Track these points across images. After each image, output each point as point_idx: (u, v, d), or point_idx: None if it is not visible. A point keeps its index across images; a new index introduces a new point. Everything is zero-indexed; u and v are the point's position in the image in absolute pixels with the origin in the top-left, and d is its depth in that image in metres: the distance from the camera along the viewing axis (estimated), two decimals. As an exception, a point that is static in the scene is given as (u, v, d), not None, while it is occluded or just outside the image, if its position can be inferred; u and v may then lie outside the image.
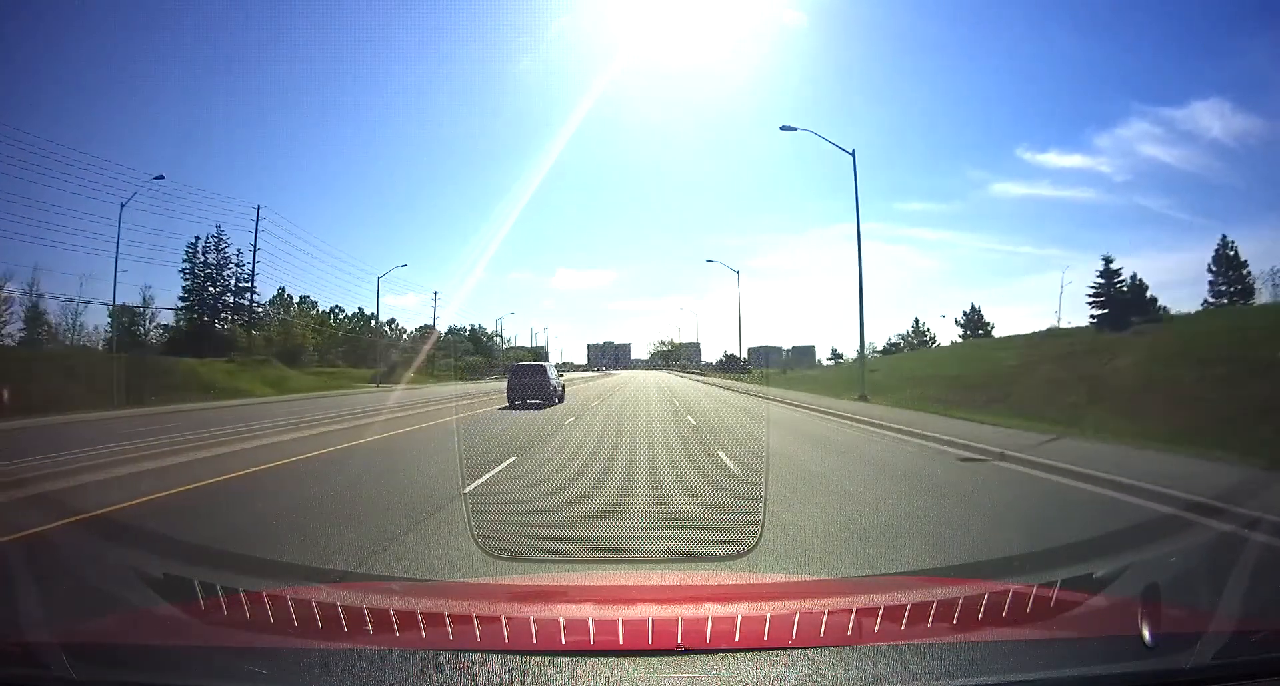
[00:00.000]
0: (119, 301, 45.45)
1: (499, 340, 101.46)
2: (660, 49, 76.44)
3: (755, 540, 5.27)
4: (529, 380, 26.14)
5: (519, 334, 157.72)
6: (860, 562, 5.19)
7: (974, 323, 65.21)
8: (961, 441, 12.31)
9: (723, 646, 1.87)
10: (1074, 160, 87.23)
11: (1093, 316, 44.52)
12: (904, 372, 33.62)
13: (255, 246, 55.18)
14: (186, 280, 55.66)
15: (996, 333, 59.68)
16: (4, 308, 44.11)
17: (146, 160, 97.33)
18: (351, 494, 8.14)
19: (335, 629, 2.11)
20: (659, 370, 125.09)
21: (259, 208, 54.33)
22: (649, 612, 2.49)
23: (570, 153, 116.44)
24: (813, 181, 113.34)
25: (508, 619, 2.28)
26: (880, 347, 75.07)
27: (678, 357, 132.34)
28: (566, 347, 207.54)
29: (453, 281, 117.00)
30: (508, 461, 10.41)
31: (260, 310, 60.29)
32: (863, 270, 26.85)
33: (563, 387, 29.14)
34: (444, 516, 6.69)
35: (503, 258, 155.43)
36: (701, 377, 76.60)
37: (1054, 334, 38.80)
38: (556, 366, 40.30)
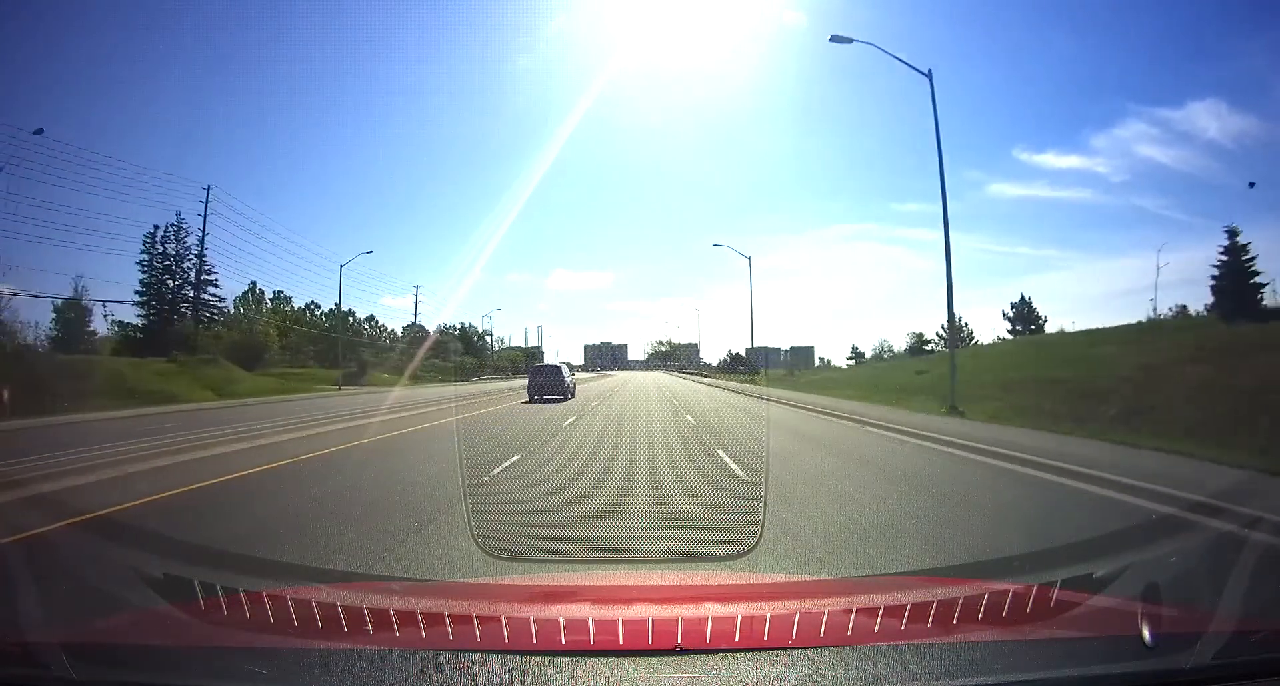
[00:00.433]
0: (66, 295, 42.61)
1: (490, 339, 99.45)
2: (659, 49, 76.68)
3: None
4: (548, 378, 29.98)
5: (512, 334, 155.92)
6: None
7: (1024, 316, 56.05)
8: None
9: (723, 646, 1.87)
10: (1071, 161, 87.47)
11: (1212, 305, 34.12)
12: (977, 375, 25.34)
13: (204, 232, 50.35)
14: (144, 273, 50.69)
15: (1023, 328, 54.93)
16: None
17: (147, 160, 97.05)
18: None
19: (335, 629, 2.11)
20: (657, 371, 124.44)
21: (209, 188, 49.21)
22: (649, 612, 2.49)
23: (568, 153, 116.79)
24: (811, 181, 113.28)
25: (508, 619, 2.28)
26: (885, 349, 72.30)
27: (676, 358, 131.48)
28: (563, 348, 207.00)
29: (449, 282, 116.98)
30: (508, 461, 10.41)
31: (222, 305, 55.60)
32: (949, 228, 20.01)
33: (575, 385, 33.73)
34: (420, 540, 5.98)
35: (500, 258, 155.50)
36: (702, 379, 72.43)
37: (1159, 326, 31.80)
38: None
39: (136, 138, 74.59)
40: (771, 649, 1.81)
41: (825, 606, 2.40)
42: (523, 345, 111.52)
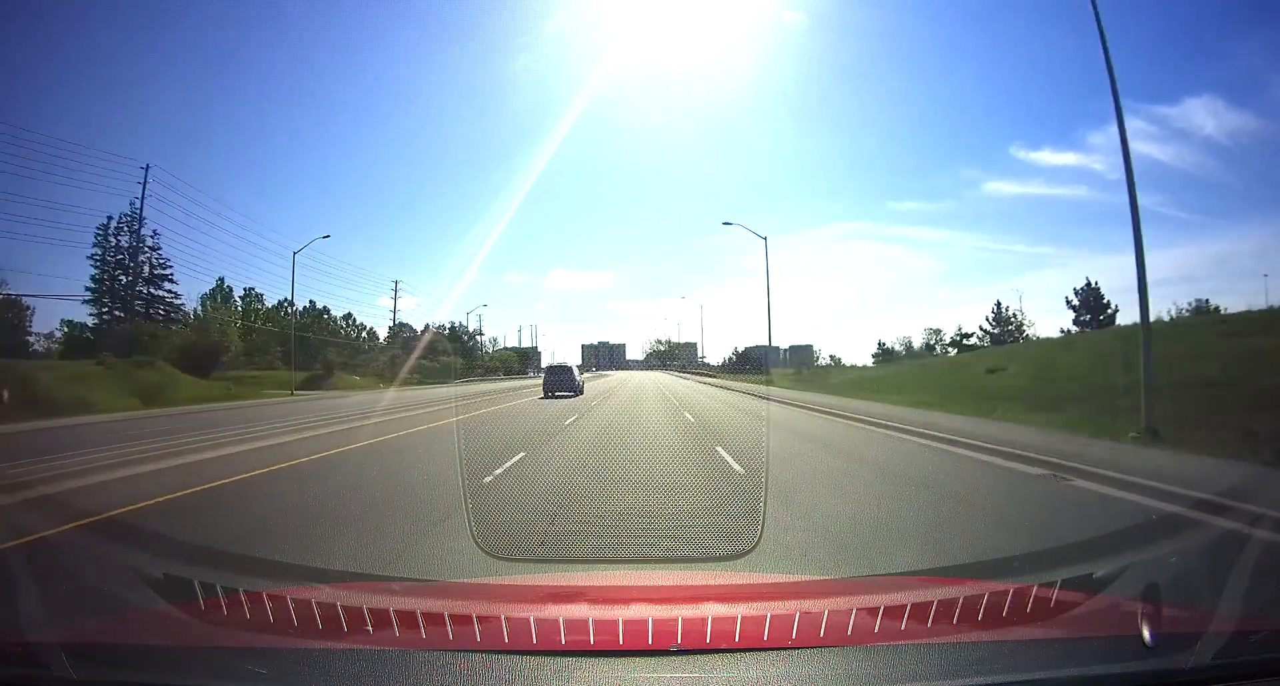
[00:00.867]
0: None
1: (481, 338, 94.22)
2: (657, 48, 76.44)
3: None
4: (561, 376, 35.03)
5: (506, 333, 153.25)
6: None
7: (1091, 304, 48.97)
8: None
9: (722, 646, 1.87)
10: (1067, 158, 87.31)
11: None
12: (1085, 375, 19.35)
13: (141, 217, 45.42)
14: (96, 268, 46.69)
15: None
16: None
17: (147, 159, 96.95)
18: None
19: (335, 629, 2.12)
20: (655, 371, 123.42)
21: (147, 167, 44.15)
22: (649, 612, 2.49)
23: (566, 153, 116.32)
24: (810, 181, 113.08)
25: (508, 619, 2.28)
26: (906, 344, 66.34)
27: (675, 358, 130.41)
28: (560, 347, 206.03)
29: (446, 283, 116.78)
30: (509, 462, 10.40)
31: (179, 302, 51.15)
32: (1129, 156, 12.59)
33: (583, 382, 38.08)
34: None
35: (498, 259, 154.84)
36: (706, 379, 65.39)
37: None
38: (548, 367, 48.21)
39: (136, 137, 74.60)
40: (771, 649, 1.81)
41: (825, 606, 2.40)
42: (517, 345, 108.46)
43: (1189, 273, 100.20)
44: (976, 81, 77.27)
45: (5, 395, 22.94)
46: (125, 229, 47.41)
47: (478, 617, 2.22)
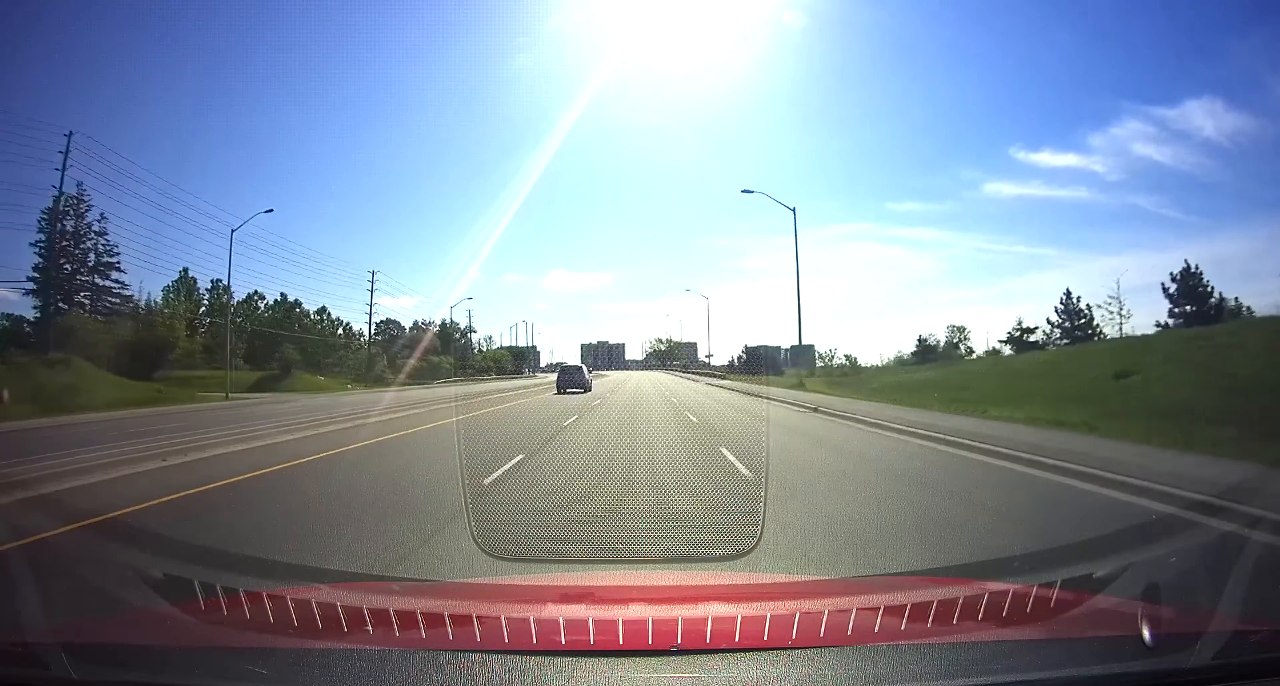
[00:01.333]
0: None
1: (473, 337, 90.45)
2: (657, 49, 76.60)
3: None
4: (573, 375, 39.13)
5: (500, 332, 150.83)
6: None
7: (1192, 292, 39.88)
8: None
9: (722, 646, 1.87)
10: (1067, 159, 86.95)
11: None
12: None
13: (60, 191, 40.45)
14: (40, 255, 41.76)
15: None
16: None
17: (146, 159, 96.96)
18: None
19: (335, 629, 2.12)
20: (655, 370, 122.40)
21: (70, 134, 38.92)
22: (649, 612, 2.50)
23: (566, 153, 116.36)
24: (810, 181, 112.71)
25: (508, 619, 2.28)
26: (951, 347, 55.27)
27: (676, 357, 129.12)
28: (558, 347, 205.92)
29: (446, 283, 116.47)
30: (504, 467, 10.37)
31: (128, 294, 46.19)
32: None
33: (592, 380, 42.76)
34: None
35: (497, 259, 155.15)
36: (717, 381, 56.59)
37: None
38: (547, 367, 48.78)
39: (136, 137, 74.58)
40: (771, 649, 1.81)
41: (825, 606, 2.40)
42: (512, 344, 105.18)
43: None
44: (977, 82, 77.24)
45: (5, 395, 22.86)
46: (71, 213, 42.98)
47: (478, 617, 2.22)
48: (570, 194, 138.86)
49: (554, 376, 44.72)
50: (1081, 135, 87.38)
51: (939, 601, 2.33)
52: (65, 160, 39.00)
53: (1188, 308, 40.80)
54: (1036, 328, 50.27)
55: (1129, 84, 69.56)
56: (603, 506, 7.53)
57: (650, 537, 6.08)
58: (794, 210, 37.08)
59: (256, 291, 61.08)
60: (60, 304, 42.78)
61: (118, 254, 45.20)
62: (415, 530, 6.21)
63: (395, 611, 2.24)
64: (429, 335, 70.81)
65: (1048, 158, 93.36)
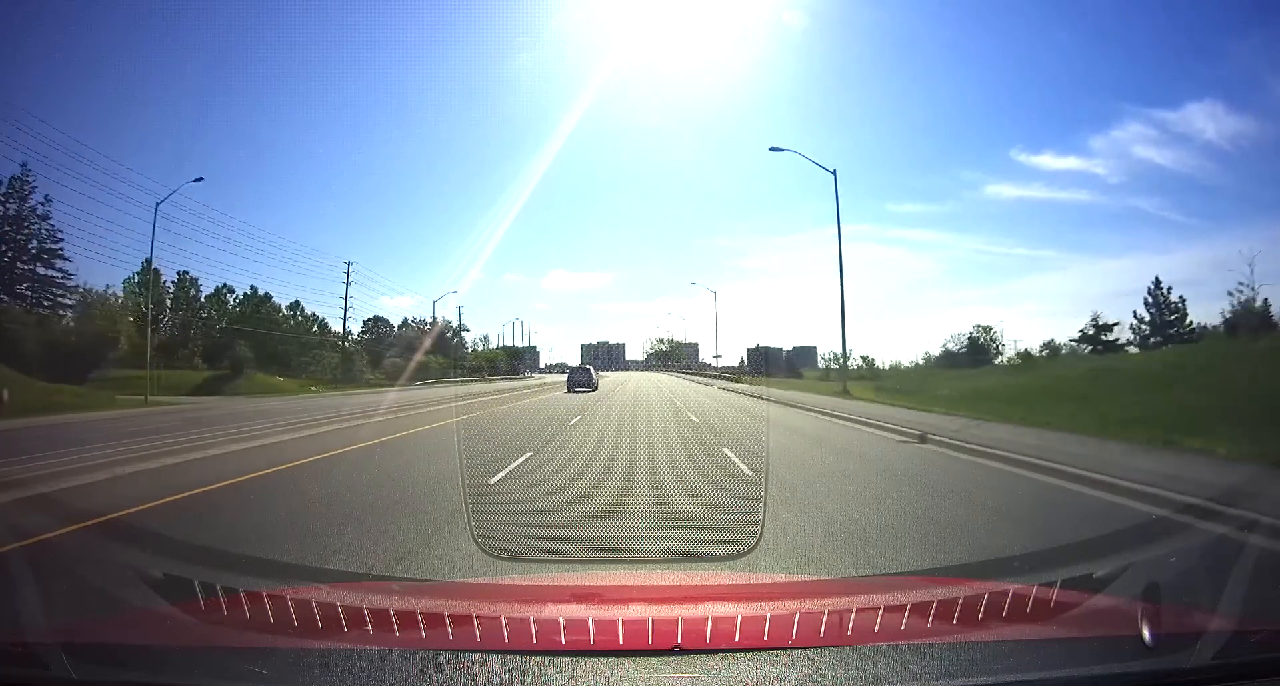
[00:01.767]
0: None
1: (468, 336, 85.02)
2: (657, 49, 76.64)
3: None
4: (582, 376, 42.02)
5: (494, 331, 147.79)
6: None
7: None
8: None
9: (722, 646, 1.87)
10: (1068, 162, 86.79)
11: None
12: None
13: None
14: None
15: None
16: None
17: (146, 159, 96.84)
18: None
19: (335, 629, 2.12)
20: (655, 371, 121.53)
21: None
22: (649, 612, 2.50)
23: (566, 153, 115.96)
24: (810, 181, 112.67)
25: (508, 619, 2.28)
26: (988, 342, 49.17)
27: (677, 358, 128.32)
28: (557, 347, 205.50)
29: (447, 283, 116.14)
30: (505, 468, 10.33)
31: (74, 285, 41.71)
32: None
33: (599, 381, 45.08)
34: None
35: (496, 260, 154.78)
36: (732, 384, 48.10)
37: None
38: (546, 367, 49.56)
39: (136, 137, 74.58)
40: (771, 649, 1.81)
41: (825, 606, 2.40)
42: (508, 344, 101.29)
43: (1190, 276, 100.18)
44: (977, 82, 77.06)
45: (5, 395, 22.85)
46: (15, 195, 39.49)
47: (478, 617, 2.22)
48: (570, 194, 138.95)
49: (550, 377, 46.69)
50: (1082, 137, 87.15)
51: (939, 601, 2.34)
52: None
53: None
54: (1117, 323, 43.64)
55: (1129, 85, 69.48)
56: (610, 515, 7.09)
57: (651, 537, 6.08)
58: (834, 172, 30.76)
59: (225, 285, 55.74)
60: (3, 296, 39.16)
61: (61, 240, 40.76)
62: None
63: (395, 611, 2.24)
64: (431, 335, 67.88)
65: (1049, 160, 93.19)
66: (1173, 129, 74.69)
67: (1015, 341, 53.81)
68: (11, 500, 7.83)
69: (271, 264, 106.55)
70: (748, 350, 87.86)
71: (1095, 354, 40.04)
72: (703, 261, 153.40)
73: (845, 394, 29.14)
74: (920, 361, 52.47)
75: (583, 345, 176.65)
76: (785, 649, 1.79)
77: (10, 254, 40.21)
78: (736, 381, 52.01)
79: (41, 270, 41.26)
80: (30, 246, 40.38)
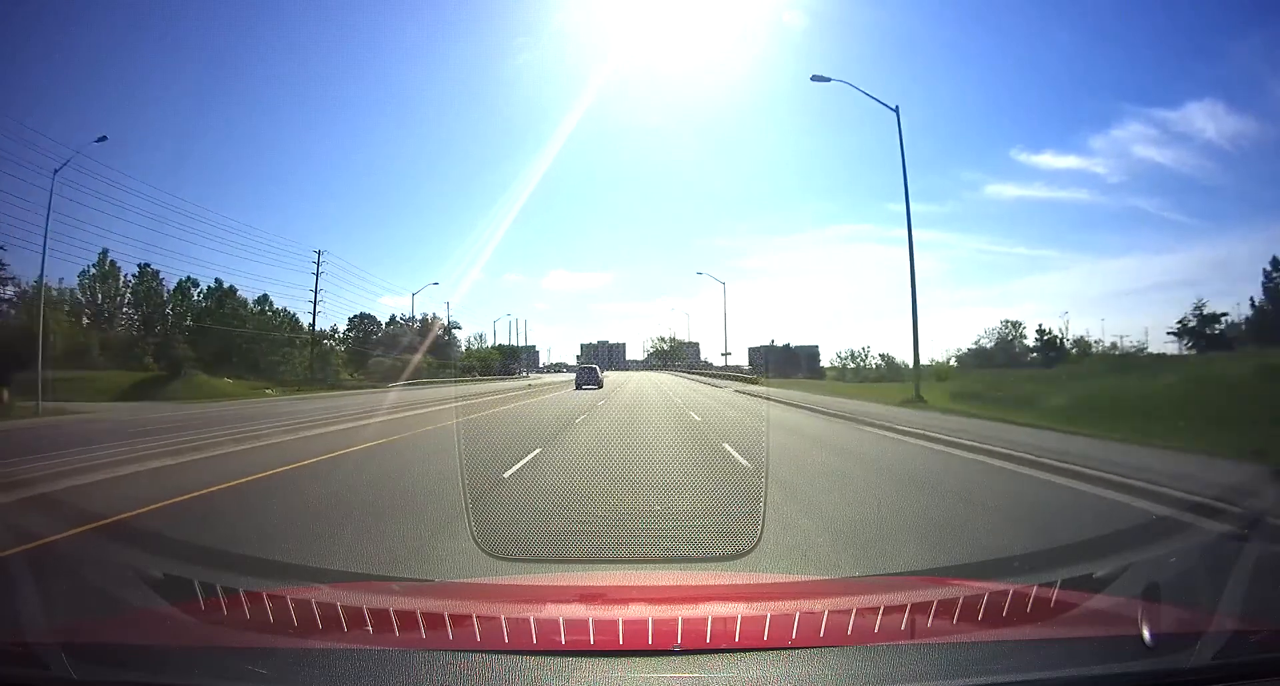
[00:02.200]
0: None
1: (461, 334, 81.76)
2: (657, 50, 76.64)
3: None
4: (589, 374, 44.96)
5: (490, 330, 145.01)
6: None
7: None
8: None
9: (722, 646, 1.87)
10: (1069, 161, 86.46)
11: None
12: None
13: None
14: None
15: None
16: None
17: (146, 159, 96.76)
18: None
19: (335, 629, 2.12)
20: (656, 371, 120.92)
21: None
22: (649, 612, 2.50)
23: (566, 154, 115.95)
24: (811, 181, 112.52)
25: (508, 619, 2.28)
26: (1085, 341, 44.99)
27: (678, 357, 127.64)
28: (556, 346, 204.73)
29: (447, 283, 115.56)
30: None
31: (12, 278, 37.60)
32: None
33: (604, 379, 48.54)
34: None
35: (496, 260, 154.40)
36: (748, 386, 41.53)
37: None
38: (545, 367, 49.98)
39: (136, 136, 74.57)
40: (771, 649, 1.81)
41: (825, 606, 2.40)
42: (504, 342, 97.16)
43: (1190, 276, 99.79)
44: (977, 82, 77.01)
45: (6, 395, 22.78)
46: None
47: (478, 617, 2.22)
48: (570, 194, 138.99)
49: (549, 377, 49.71)
50: (1083, 137, 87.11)
51: (939, 601, 2.34)
52: None
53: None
54: (1225, 314, 37.15)
55: (1130, 85, 69.40)
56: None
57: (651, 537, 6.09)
58: (896, 109, 26.55)
59: (189, 278, 51.51)
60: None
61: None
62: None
63: (395, 611, 2.24)
64: (420, 334, 65.05)
65: (1049, 160, 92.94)
66: (1173, 129, 74.70)
67: (1088, 336, 46.20)
68: None
69: (252, 259, 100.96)
70: (750, 349, 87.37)
71: (1196, 351, 33.30)
72: (703, 261, 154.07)
73: (917, 401, 21.88)
74: (951, 360, 48.47)
75: (583, 345, 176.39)
76: (785, 649, 1.79)
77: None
78: (753, 383, 45.51)
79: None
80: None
